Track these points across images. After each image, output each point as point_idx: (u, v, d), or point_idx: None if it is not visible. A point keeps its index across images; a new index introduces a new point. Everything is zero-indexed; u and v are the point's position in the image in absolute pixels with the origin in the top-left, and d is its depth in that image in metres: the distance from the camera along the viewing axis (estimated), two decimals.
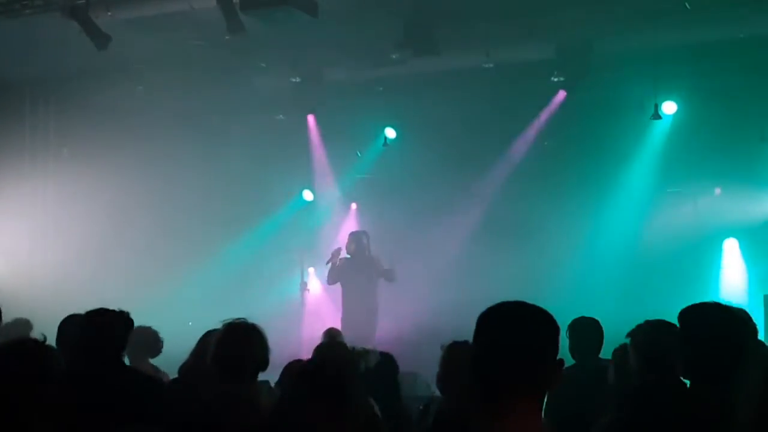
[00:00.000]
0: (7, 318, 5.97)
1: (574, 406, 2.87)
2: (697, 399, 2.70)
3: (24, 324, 5.68)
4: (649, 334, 3.40)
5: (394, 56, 9.43)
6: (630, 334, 3.54)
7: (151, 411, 3.63)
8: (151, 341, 5.46)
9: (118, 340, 3.82)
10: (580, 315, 5.16)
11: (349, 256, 9.90)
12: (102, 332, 3.76)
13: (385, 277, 9.81)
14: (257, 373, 3.59)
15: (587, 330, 4.99)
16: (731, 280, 10.23)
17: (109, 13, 8.26)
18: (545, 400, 2.17)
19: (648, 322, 3.49)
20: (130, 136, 10.98)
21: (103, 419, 3.27)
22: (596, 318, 5.16)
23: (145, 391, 3.75)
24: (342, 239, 10.45)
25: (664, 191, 10.54)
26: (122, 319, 3.85)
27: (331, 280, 10.01)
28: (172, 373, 4.97)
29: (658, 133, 10.42)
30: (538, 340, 2.10)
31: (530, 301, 2.18)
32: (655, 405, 2.73)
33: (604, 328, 5.17)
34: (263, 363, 3.58)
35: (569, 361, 4.95)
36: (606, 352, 4.70)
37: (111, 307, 3.90)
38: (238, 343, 3.56)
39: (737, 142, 9.56)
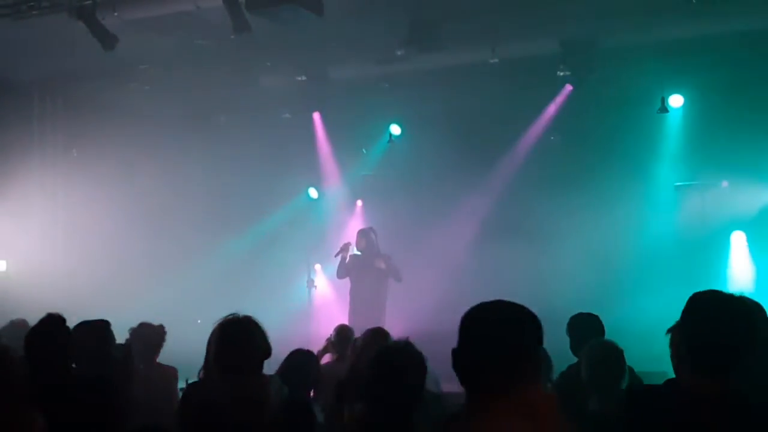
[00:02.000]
0: (8, 318, 6.00)
1: (577, 404, 2.83)
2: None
3: (21, 325, 5.50)
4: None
5: (399, 53, 9.42)
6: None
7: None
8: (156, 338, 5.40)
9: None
10: (587, 310, 5.09)
11: (359, 252, 9.93)
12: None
13: (394, 277, 9.83)
14: (262, 363, 3.56)
15: (587, 326, 4.77)
16: (739, 274, 10.19)
17: (116, 14, 8.29)
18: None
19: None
20: (138, 135, 11.03)
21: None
22: (602, 313, 5.02)
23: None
24: (348, 236, 10.47)
25: (671, 185, 10.52)
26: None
27: (341, 274, 10.04)
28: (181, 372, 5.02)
29: (665, 126, 10.40)
30: (517, 338, 2.08)
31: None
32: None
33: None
34: (266, 352, 3.55)
35: (570, 359, 4.73)
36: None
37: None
38: (236, 339, 3.53)
39: (744, 134, 9.52)
